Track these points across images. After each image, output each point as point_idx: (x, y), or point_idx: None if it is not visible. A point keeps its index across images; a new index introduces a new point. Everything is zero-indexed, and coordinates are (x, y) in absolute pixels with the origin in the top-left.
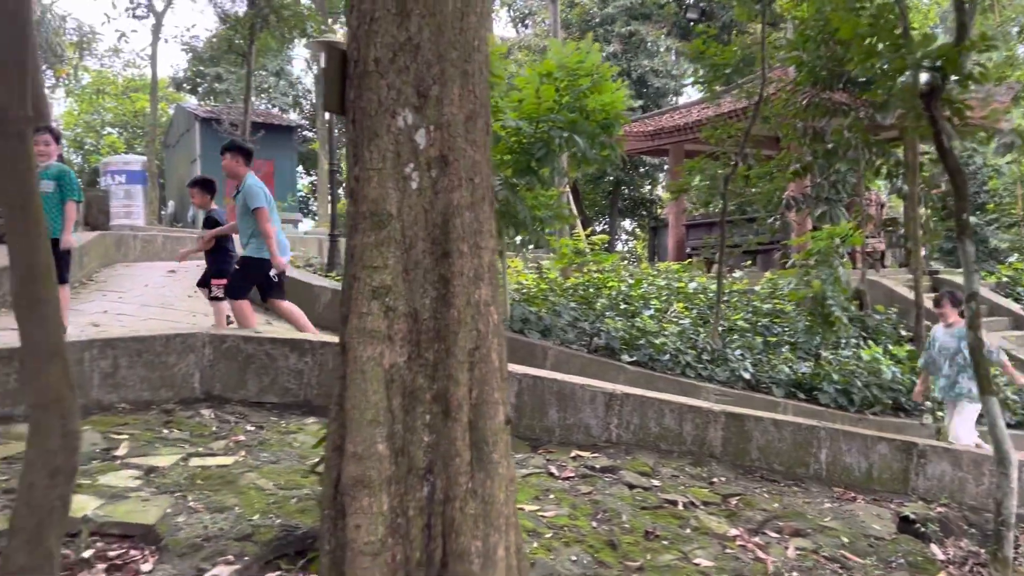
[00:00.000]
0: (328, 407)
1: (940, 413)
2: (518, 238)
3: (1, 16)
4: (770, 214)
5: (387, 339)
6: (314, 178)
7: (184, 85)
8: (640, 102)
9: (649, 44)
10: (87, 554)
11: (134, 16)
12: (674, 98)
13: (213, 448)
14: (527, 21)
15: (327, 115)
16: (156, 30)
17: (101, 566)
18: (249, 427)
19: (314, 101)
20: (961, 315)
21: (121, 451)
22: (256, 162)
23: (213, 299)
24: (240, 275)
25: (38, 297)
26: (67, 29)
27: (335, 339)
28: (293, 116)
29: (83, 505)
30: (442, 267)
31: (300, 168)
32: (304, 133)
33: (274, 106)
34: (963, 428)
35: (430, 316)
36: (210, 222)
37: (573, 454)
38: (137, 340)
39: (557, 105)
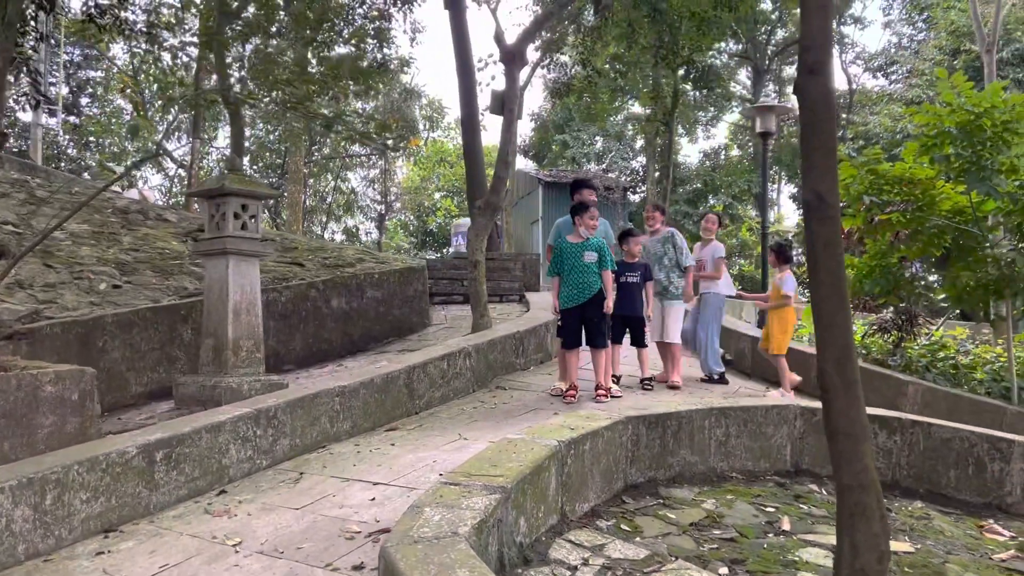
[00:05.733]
0: (918, 490)
1: None
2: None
3: (816, 105)
4: None
5: None
6: None
7: (529, 151)
8: None
9: None
10: None
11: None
12: None
13: None
14: None
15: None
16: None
17: None
18: None
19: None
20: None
21: (786, 525)
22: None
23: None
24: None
25: (851, 379)
26: (420, 105)
27: (921, 419)
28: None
29: None
30: None
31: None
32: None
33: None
34: (678, 327)
35: None
36: None
37: None
38: (743, 410)
39: None
